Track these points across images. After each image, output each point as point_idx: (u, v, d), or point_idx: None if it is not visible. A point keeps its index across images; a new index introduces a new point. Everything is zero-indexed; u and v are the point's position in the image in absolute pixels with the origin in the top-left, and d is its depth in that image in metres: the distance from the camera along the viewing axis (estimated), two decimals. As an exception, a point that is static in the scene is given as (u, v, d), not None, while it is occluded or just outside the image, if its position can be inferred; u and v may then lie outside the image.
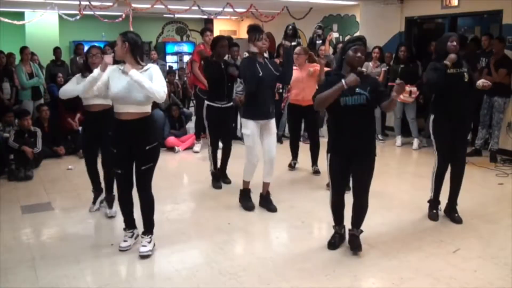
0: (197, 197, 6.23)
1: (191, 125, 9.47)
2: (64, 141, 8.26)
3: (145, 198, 4.32)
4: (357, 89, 4.06)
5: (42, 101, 9.02)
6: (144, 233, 4.36)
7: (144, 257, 4.22)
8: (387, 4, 10.30)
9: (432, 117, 5.21)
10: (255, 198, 5.61)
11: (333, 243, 4.49)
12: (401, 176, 7.29)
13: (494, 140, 7.89)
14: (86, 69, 5.11)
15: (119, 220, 5.08)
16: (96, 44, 5.15)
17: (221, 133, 6.50)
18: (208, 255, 4.40)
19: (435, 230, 4.99)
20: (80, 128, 8.13)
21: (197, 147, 8.55)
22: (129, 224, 4.50)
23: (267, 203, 5.55)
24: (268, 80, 5.31)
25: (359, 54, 4.07)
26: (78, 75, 5.22)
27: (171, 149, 8.47)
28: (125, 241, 4.44)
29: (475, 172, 6.72)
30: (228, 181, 6.55)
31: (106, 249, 4.48)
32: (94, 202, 5.51)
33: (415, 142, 8.75)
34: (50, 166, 7.50)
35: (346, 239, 4.53)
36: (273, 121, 5.47)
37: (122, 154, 4.20)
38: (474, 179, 6.82)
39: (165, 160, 7.97)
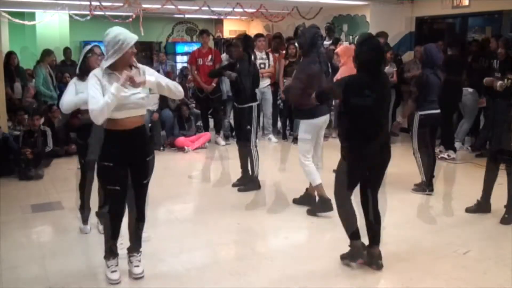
0: (206, 197, 6.23)
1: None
2: (75, 140, 8.31)
3: (142, 213, 3.91)
4: None
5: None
6: (135, 251, 3.95)
7: (140, 278, 3.90)
8: (398, 4, 10.27)
9: None
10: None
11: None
12: (407, 178, 7.26)
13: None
14: (85, 72, 4.29)
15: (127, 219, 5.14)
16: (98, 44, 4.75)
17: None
18: (217, 255, 4.41)
19: (445, 231, 4.96)
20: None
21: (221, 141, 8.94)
22: (115, 250, 3.90)
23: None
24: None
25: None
26: (75, 80, 4.56)
27: (181, 149, 8.49)
28: (114, 271, 3.87)
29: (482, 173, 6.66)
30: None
31: (115, 248, 4.48)
32: (86, 222, 4.85)
33: None
34: (61, 165, 7.54)
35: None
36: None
37: (121, 168, 3.66)
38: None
39: (174, 160, 8.00)
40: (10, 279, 3.88)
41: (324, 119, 5.32)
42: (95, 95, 3.48)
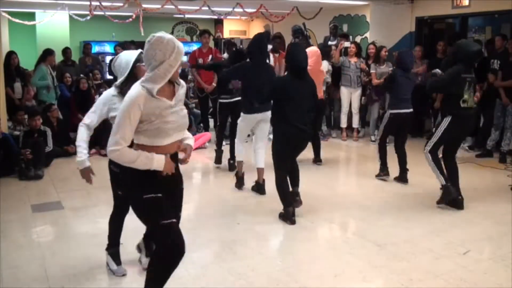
0: (206, 197, 6.24)
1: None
2: (75, 140, 8.32)
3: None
4: None
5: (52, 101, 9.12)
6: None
7: None
8: (398, 4, 10.28)
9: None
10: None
11: None
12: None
13: (505, 142, 7.83)
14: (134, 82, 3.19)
15: (128, 220, 5.14)
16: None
17: None
18: (217, 255, 4.41)
19: (445, 231, 4.96)
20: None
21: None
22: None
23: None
24: None
25: None
26: (112, 91, 3.79)
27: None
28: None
29: (485, 173, 6.68)
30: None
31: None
32: (119, 261, 4.05)
33: None
34: (60, 165, 7.54)
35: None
36: None
37: (168, 199, 3.08)
38: (485, 180, 6.79)
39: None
40: (10, 279, 3.88)
41: (260, 116, 6.03)
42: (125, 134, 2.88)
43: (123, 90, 3.57)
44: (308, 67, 5.34)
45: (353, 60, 9.33)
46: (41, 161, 7.08)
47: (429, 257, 4.33)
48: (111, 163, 3.79)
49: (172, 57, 2.88)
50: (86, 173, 3.80)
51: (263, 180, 6.13)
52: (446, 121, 5.52)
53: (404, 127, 6.67)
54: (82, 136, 3.88)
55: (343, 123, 9.72)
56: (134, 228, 5.09)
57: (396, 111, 6.49)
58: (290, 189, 5.37)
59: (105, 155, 7.93)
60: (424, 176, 6.38)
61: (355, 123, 9.67)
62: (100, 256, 4.28)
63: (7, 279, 3.87)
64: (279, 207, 5.28)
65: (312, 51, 6.82)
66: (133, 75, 3.62)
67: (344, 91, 9.50)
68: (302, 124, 5.07)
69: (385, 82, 7.05)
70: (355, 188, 6.73)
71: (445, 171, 5.60)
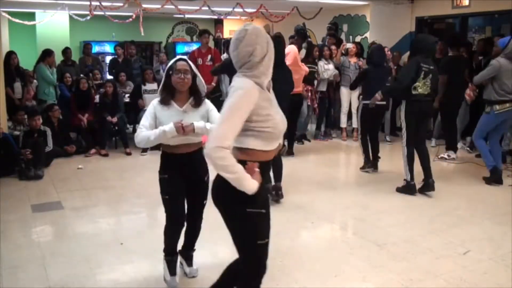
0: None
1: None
2: (75, 140, 8.35)
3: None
4: None
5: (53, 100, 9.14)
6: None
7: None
8: (398, 4, 10.29)
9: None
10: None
11: None
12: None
13: (505, 142, 7.84)
14: (169, 91, 3.58)
15: (128, 220, 5.13)
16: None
17: None
18: (217, 255, 4.40)
19: (445, 231, 4.95)
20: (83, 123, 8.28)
21: None
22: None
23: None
24: None
25: None
26: (155, 103, 3.62)
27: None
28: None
29: (486, 173, 6.67)
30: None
31: (115, 248, 4.49)
32: (175, 272, 3.81)
33: None
34: (60, 165, 7.54)
35: None
36: None
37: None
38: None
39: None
40: (10, 279, 3.88)
41: None
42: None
43: (162, 99, 3.60)
44: (288, 63, 6.07)
45: (353, 60, 9.34)
46: (41, 161, 7.08)
47: (429, 257, 4.33)
48: (164, 167, 3.69)
49: (270, 49, 2.61)
50: (177, 126, 3.43)
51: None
52: (402, 109, 6.06)
53: (377, 118, 7.31)
54: (145, 133, 3.54)
55: (343, 123, 9.73)
56: (134, 227, 5.11)
57: (367, 101, 6.93)
58: (273, 183, 5.61)
59: (105, 155, 8.07)
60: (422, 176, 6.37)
61: (355, 123, 9.68)
62: (100, 256, 4.29)
63: (7, 279, 3.87)
64: (279, 207, 5.27)
65: (287, 48, 7.26)
66: (168, 85, 3.59)
67: (344, 91, 9.50)
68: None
69: (357, 77, 7.87)
70: (355, 188, 6.72)
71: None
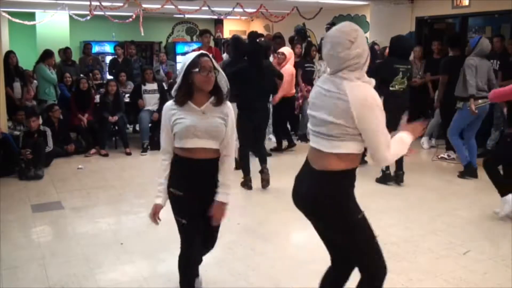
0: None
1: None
2: (75, 140, 8.35)
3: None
4: None
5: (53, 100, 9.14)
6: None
7: None
8: (398, 4, 10.28)
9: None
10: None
11: None
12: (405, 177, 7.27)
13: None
14: (188, 90, 3.02)
15: (128, 220, 5.12)
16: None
17: None
18: (217, 255, 4.39)
19: (445, 231, 4.96)
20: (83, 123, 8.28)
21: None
22: None
23: None
24: None
25: None
26: (170, 105, 3.09)
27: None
28: None
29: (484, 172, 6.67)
30: None
31: (115, 248, 4.49)
32: None
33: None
34: (60, 165, 7.54)
35: None
36: None
37: None
38: (483, 180, 6.76)
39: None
40: (10, 279, 3.88)
41: None
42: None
43: (178, 100, 3.05)
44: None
45: None
46: (41, 161, 7.08)
47: (429, 257, 4.33)
48: (174, 185, 3.12)
49: (367, 48, 2.54)
50: (155, 210, 3.21)
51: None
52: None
53: None
54: (160, 169, 3.16)
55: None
56: (134, 227, 5.11)
57: None
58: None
59: (105, 155, 8.07)
60: (423, 176, 6.37)
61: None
62: (100, 256, 4.29)
63: (7, 279, 3.87)
64: (279, 207, 5.28)
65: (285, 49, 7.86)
66: (187, 84, 3.00)
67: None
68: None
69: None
70: (355, 188, 6.71)
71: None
